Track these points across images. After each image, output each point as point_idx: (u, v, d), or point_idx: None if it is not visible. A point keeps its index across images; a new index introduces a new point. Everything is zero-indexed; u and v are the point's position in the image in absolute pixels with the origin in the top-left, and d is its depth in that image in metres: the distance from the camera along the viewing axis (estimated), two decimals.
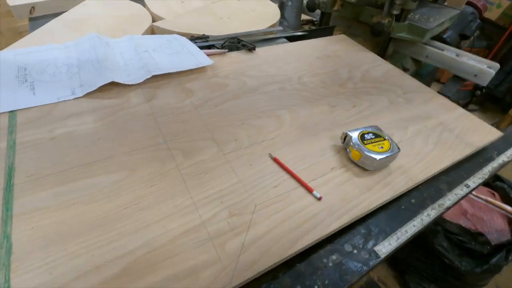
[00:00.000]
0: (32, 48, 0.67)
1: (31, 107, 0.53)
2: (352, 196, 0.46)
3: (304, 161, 0.51)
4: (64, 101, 0.55)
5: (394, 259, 1.26)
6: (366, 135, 0.51)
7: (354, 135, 0.51)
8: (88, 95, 0.57)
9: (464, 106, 0.71)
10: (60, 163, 0.45)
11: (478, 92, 0.91)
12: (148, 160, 0.47)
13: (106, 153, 0.47)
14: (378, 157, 0.48)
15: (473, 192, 0.90)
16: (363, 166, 0.50)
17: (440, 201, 0.51)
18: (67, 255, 0.35)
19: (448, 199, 0.51)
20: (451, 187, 0.54)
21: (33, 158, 0.45)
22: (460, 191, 0.53)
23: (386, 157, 0.48)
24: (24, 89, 0.56)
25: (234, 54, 0.77)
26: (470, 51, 0.92)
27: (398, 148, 0.50)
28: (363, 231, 0.45)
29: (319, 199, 0.45)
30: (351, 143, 0.50)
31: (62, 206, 0.39)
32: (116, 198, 0.41)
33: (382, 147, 0.50)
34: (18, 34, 1.31)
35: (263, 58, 0.77)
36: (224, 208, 0.42)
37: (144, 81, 0.61)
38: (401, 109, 0.66)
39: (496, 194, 1.19)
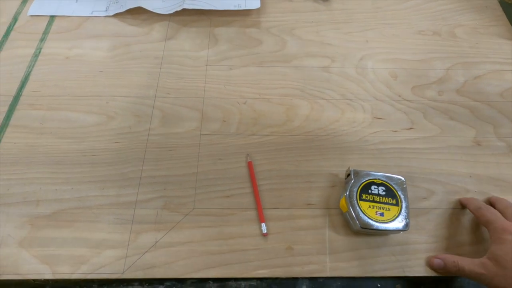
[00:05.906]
0: None
1: (68, 16, 0.55)
2: (306, 250, 0.37)
3: (284, 180, 0.41)
4: (95, 16, 0.55)
5: None
6: (373, 187, 0.37)
7: (357, 180, 0.37)
8: (117, 16, 0.55)
9: None
10: (60, 86, 0.48)
11: None
12: (129, 112, 0.46)
13: (98, 90, 0.47)
14: (365, 224, 0.35)
15: None
16: (347, 222, 0.38)
17: None
18: (22, 180, 0.40)
19: None
20: None
21: (45, 73, 0.49)
22: None
23: (377, 230, 0.34)
24: None
25: None
26: None
27: (406, 226, 0.35)
28: None
29: (264, 235, 0.37)
30: (348, 188, 0.37)
31: (41, 132, 0.44)
32: (82, 142, 0.43)
33: (382, 214, 0.35)
34: None
35: (332, 15, 0.57)
36: (163, 197, 0.40)
37: (175, 12, 0.54)
38: (493, 160, 0.43)
39: None
